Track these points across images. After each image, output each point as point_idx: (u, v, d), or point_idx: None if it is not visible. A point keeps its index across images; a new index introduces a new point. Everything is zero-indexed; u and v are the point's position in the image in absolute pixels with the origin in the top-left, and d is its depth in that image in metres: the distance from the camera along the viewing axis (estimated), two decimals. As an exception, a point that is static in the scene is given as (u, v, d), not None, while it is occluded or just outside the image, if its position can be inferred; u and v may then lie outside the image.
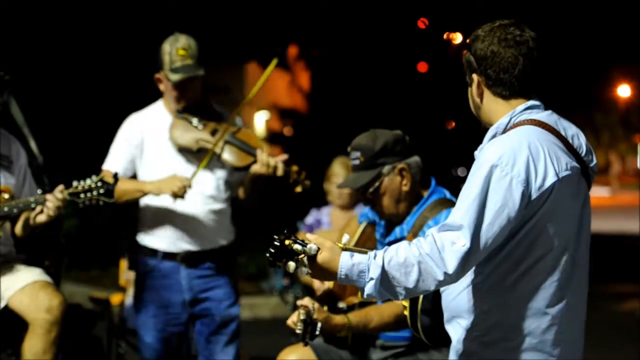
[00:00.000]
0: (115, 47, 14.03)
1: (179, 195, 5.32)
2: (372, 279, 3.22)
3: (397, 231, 4.63)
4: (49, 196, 5.15)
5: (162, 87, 5.59)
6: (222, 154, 5.50)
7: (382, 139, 4.62)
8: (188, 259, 5.56)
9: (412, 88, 16.17)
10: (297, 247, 3.22)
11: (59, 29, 13.35)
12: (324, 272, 3.27)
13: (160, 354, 5.59)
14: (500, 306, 3.38)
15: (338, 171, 6.70)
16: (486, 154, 3.32)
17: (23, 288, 5.15)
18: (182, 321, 5.63)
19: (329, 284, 4.84)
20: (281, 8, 15.38)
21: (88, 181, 5.25)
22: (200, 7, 14.19)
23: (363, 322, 4.48)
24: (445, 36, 15.64)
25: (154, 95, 5.79)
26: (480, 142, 3.51)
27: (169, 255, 5.56)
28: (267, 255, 3.22)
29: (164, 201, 5.50)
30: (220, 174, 5.63)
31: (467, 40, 3.57)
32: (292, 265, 3.23)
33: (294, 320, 4.36)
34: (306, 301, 4.42)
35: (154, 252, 5.59)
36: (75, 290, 12.10)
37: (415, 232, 4.50)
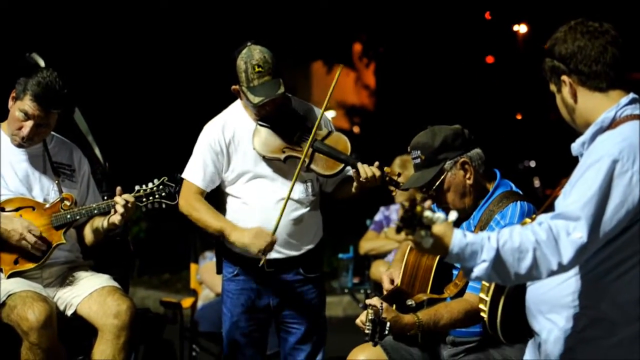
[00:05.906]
0: (178, 51, 14.11)
1: (265, 253, 5.21)
2: (484, 260, 3.15)
3: (464, 226, 4.55)
4: (117, 199, 5.12)
5: (241, 99, 5.39)
6: (311, 163, 5.33)
7: (441, 135, 4.56)
8: (275, 265, 5.43)
9: (479, 81, 16.04)
10: (427, 214, 3.13)
11: (121, 35, 13.47)
12: (436, 246, 3.18)
13: (244, 354, 5.56)
14: (603, 301, 3.27)
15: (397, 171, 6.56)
16: (604, 147, 3.23)
17: (91, 294, 5.18)
18: (266, 325, 5.61)
19: (397, 282, 4.78)
20: (345, 6, 15.34)
21: (150, 185, 5.25)
22: (264, 8, 14.20)
23: (433, 320, 4.41)
24: (512, 28, 15.51)
25: (216, 100, 5.65)
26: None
27: (255, 261, 5.40)
28: (398, 222, 3.12)
29: (250, 208, 5.40)
30: (307, 176, 5.46)
31: (545, 46, 3.48)
32: (423, 233, 3.13)
33: (362, 320, 4.32)
34: (374, 300, 4.36)
35: (241, 258, 5.48)
36: (147, 295, 12.19)
37: (482, 227, 4.42)
